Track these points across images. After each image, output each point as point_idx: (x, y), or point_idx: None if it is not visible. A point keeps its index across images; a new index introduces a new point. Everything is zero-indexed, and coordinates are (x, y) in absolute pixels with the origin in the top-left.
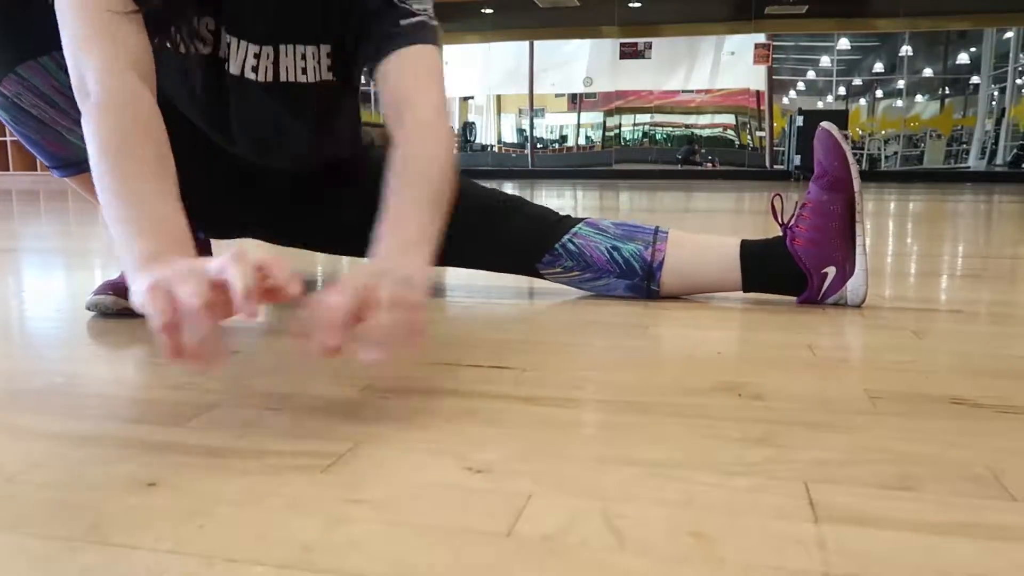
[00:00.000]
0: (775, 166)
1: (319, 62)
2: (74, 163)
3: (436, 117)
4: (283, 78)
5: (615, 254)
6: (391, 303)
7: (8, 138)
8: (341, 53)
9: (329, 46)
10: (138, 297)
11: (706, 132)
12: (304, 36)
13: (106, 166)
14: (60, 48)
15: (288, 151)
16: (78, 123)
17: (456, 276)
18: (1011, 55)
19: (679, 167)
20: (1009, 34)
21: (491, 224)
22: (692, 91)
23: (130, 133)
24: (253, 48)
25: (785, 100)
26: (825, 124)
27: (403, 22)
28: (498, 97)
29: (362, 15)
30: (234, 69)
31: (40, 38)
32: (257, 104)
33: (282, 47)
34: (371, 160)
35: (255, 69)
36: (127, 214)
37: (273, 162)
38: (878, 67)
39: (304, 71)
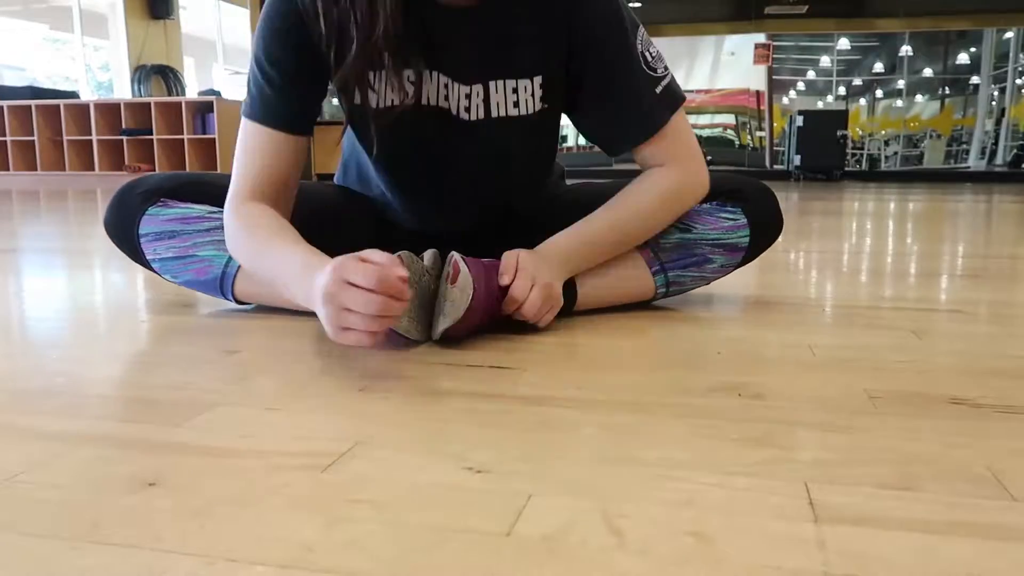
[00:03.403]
0: (775, 166)
1: (532, 94)
2: (221, 277)
3: (673, 186)
4: (495, 114)
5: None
6: (541, 300)
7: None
8: (555, 81)
9: (541, 76)
10: (325, 322)
11: (706, 132)
12: (517, 72)
13: (249, 239)
14: (154, 198)
15: (492, 189)
16: (197, 235)
17: None
18: (1011, 55)
19: None
20: (1009, 34)
21: None
22: (692, 91)
23: (255, 226)
24: (464, 89)
25: (785, 100)
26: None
27: (657, 89)
28: None
29: (598, 61)
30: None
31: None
32: (466, 142)
33: (491, 83)
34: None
35: (467, 109)
36: (271, 263)
37: (463, 219)
38: (878, 67)
39: (516, 104)
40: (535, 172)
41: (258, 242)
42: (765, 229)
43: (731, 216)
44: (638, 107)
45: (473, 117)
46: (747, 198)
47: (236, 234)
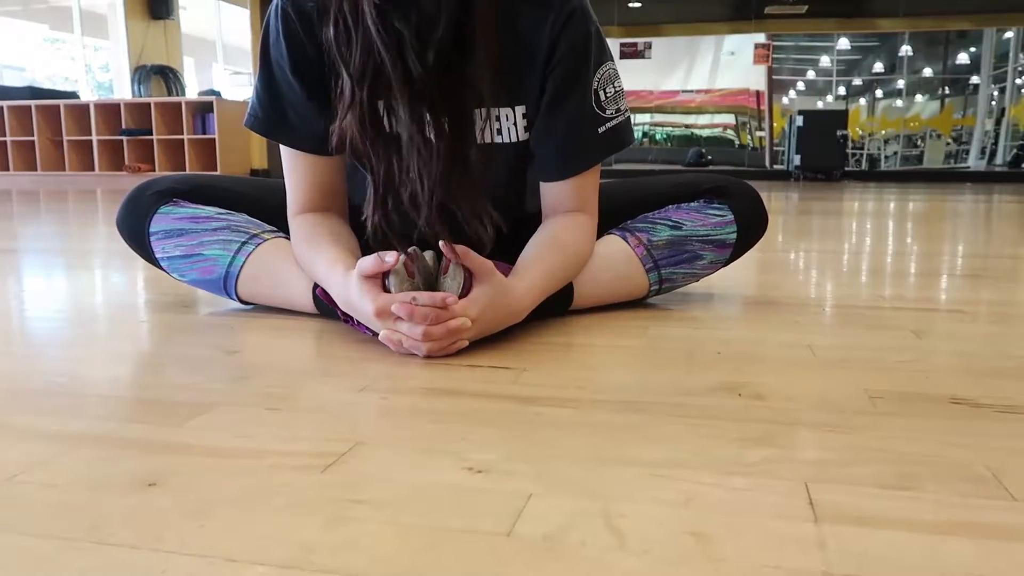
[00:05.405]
0: (775, 166)
1: (514, 123)
2: (225, 277)
3: (587, 237)
4: (478, 140)
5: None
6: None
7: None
8: (535, 112)
9: (524, 107)
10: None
11: (706, 132)
12: (499, 101)
13: (301, 251)
14: (166, 198)
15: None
16: (205, 233)
17: None
18: (1011, 55)
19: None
20: (1009, 34)
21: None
22: (692, 91)
23: (312, 235)
24: None
25: (785, 100)
26: None
27: (600, 129)
28: None
29: (552, 88)
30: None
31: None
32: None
33: (478, 111)
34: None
35: None
36: (317, 266)
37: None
38: (878, 67)
39: (499, 132)
40: (514, 194)
41: (306, 250)
42: (751, 226)
43: (718, 213)
44: (573, 145)
45: None
46: (732, 195)
47: (293, 245)
